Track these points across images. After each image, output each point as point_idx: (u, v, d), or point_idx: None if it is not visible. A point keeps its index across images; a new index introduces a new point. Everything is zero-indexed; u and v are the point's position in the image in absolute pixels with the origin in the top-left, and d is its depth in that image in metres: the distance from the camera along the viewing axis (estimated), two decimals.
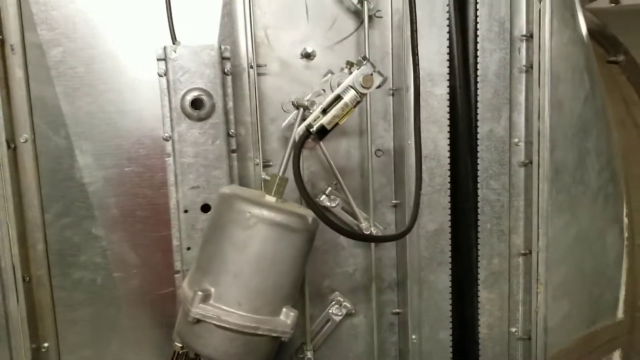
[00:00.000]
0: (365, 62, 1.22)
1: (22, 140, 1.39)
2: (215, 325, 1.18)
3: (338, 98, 1.21)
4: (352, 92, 1.21)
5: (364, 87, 1.21)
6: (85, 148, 1.43)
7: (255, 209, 1.19)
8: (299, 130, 1.23)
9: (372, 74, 1.21)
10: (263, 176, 1.42)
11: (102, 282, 1.48)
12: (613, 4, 2.34)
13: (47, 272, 1.45)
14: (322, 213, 1.21)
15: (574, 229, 1.70)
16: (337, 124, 1.21)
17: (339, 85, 1.25)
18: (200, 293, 1.18)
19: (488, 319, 1.68)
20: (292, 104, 1.37)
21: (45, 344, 1.47)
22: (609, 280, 1.84)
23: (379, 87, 1.23)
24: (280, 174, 1.27)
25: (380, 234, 1.57)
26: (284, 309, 1.24)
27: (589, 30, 1.77)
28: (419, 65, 1.38)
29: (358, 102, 1.21)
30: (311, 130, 1.20)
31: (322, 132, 1.21)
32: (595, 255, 1.77)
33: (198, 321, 1.19)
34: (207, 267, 1.23)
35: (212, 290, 1.20)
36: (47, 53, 1.39)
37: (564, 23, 1.60)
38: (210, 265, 1.22)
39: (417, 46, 1.36)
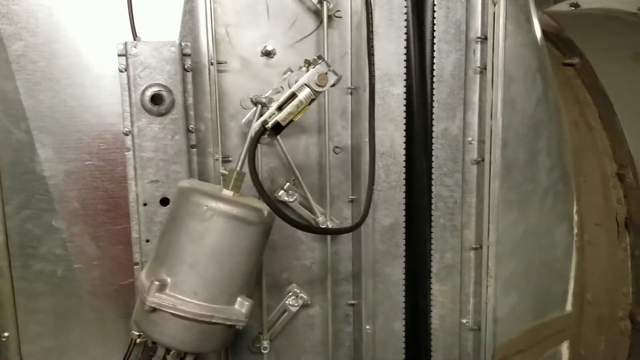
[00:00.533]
0: (320, 61, 1.26)
1: None
2: (171, 314, 1.22)
3: (293, 95, 1.25)
4: (306, 90, 1.25)
5: (318, 85, 1.25)
6: (46, 142, 1.44)
7: (212, 202, 1.23)
8: (255, 126, 1.27)
9: (327, 73, 1.26)
10: (221, 171, 1.46)
11: (63, 274, 1.50)
12: (573, 8, 2.42)
13: (8, 263, 1.47)
14: (276, 206, 1.25)
15: (523, 224, 1.78)
16: (292, 120, 1.25)
17: (296, 83, 1.29)
18: (156, 282, 1.22)
19: (440, 311, 1.75)
20: (251, 101, 1.41)
21: (6, 334, 1.49)
22: (557, 274, 1.92)
23: (333, 85, 1.28)
24: (237, 169, 1.31)
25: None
26: (239, 299, 1.29)
27: (546, 32, 1.84)
28: (374, 65, 1.43)
29: (313, 100, 1.26)
30: (266, 126, 1.24)
31: (277, 128, 1.25)
32: (544, 250, 1.85)
33: (154, 310, 1.23)
34: (164, 258, 1.27)
35: (169, 280, 1.24)
36: (8, 47, 1.40)
37: (518, 26, 1.66)
38: (167, 256, 1.26)
39: (372, 46, 1.42)
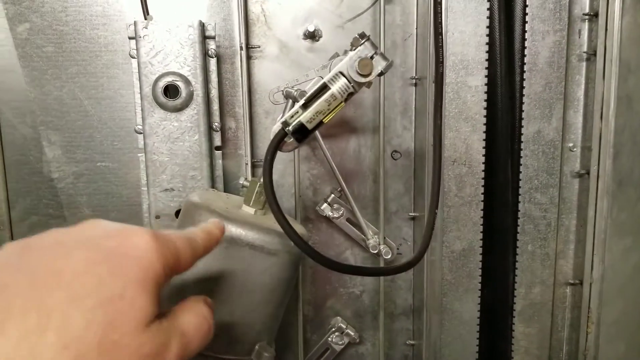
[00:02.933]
0: (363, 41, 0.95)
1: None
2: None
3: (325, 88, 0.95)
4: (342, 81, 0.94)
5: (360, 74, 0.94)
6: (54, 139, 1.25)
7: None
8: (275, 128, 0.98)
9: (372, 57, 0.95)
10: (241, 182, 1.19)
11: None
12: None
13: None
14: (297, 235, 0.94)
15: (636, 255, 1.38)
16: (321, 122, 0.95)
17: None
18: None
19: (524, 357, 1.40)
20: (282, 94, 1.13)
21: None
22: None
23: (382, 74, 0.96)
24: (260, 180, 1.04)
25: (390, 255, 1.30)
26: (257, 347, 1.01)
27: None
28: (443, 47, 1.10)
29: (350, 94, 0.95)
30: (287, 129, 0.95)
31: (302, 131, 0.95)
32: None
33: None
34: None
35: None
36: (11, 30, 1.21)
37: None
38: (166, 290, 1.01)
39: (441, 22, 1.08)
